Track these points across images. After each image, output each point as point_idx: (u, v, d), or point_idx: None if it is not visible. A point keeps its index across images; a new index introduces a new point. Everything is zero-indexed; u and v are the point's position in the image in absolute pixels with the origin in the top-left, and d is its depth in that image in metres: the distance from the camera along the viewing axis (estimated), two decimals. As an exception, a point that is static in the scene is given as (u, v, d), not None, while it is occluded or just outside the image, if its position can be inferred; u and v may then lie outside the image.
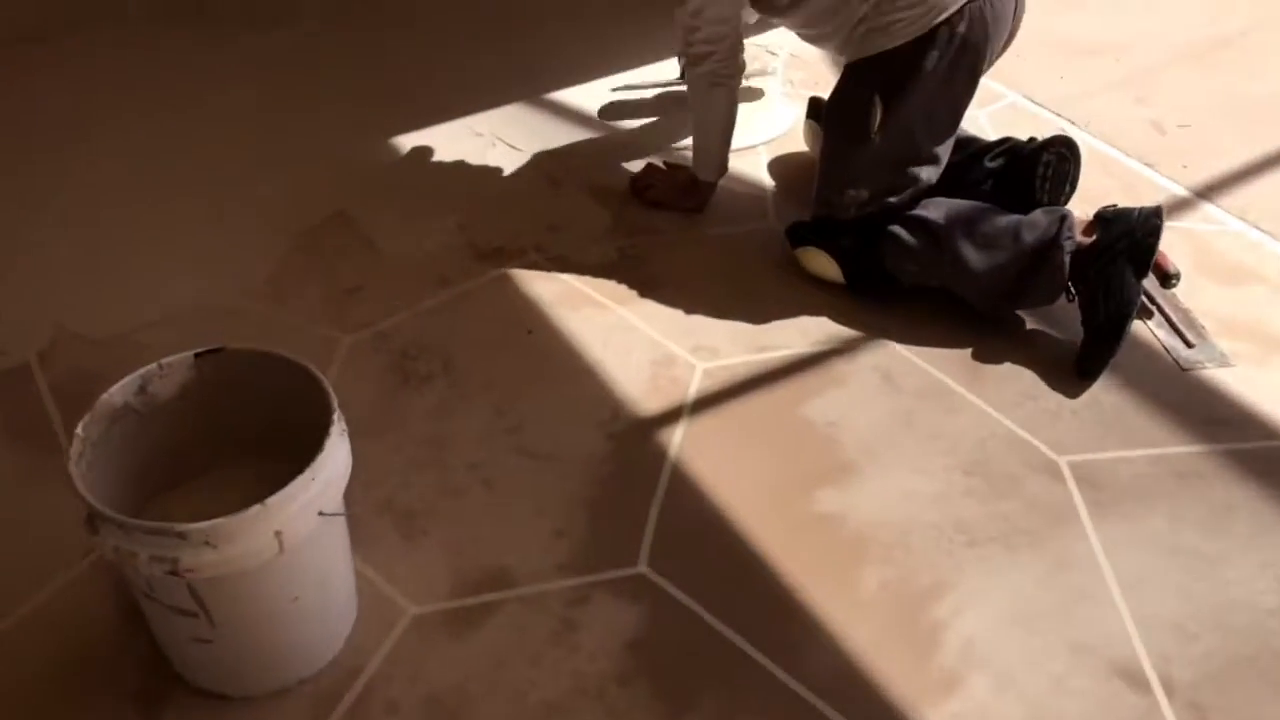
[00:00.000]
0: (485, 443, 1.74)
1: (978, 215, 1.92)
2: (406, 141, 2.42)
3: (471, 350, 1.92)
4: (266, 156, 2.37)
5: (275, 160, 2.36)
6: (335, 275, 2.08)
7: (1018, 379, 1.87)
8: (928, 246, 1.92)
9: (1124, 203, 1.94)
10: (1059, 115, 2.51)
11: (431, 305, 2.02)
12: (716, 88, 2.07)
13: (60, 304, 1.98)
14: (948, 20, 1.82)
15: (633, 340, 1.94)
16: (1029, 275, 1.87)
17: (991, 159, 2.07)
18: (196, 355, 1.39)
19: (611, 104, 2.55)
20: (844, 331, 1.96)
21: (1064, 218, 1.87)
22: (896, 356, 1.91)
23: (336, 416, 1.30)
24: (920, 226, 1.92)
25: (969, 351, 1.92)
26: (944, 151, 1.96)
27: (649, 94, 2.59)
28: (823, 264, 2.01)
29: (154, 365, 1.37)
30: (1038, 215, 1.90)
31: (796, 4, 1.98)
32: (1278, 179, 2.31)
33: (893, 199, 1.95)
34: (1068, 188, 2.03)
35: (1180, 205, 2.25)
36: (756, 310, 2.00)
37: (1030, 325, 1.97)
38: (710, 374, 1.88)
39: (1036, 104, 2.56)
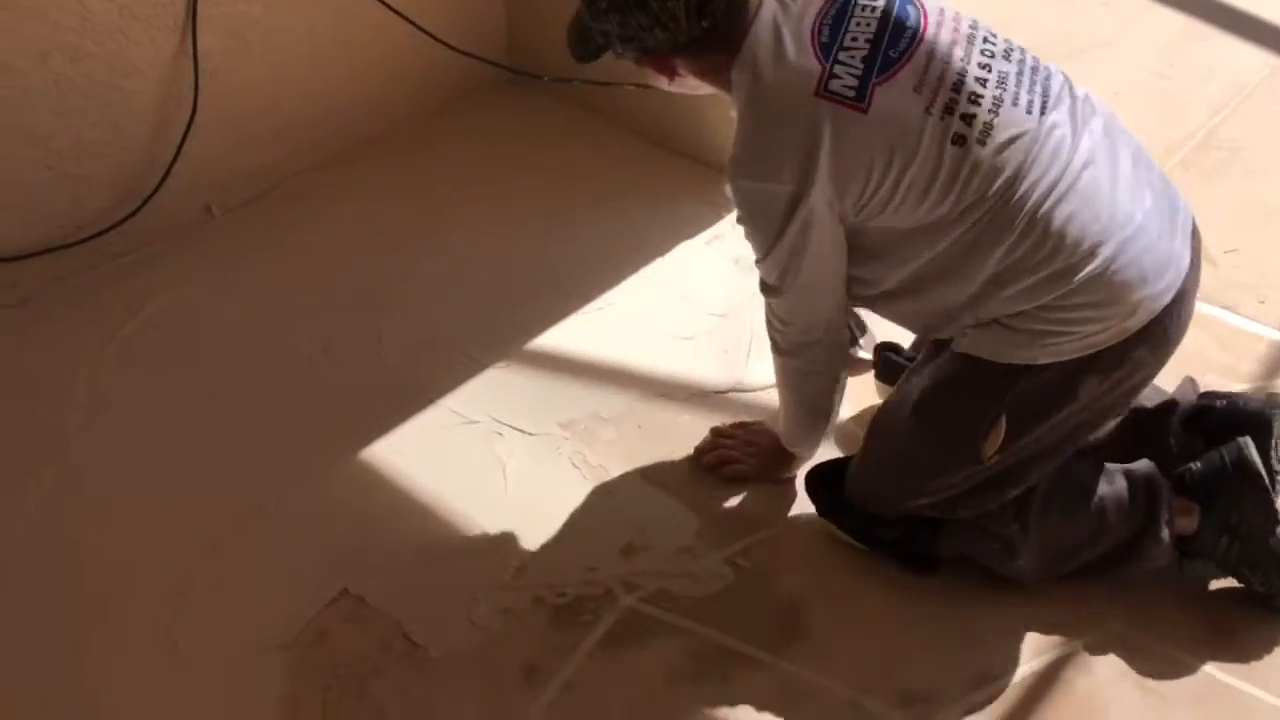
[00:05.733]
0: None
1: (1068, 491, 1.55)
2: (384, 453, 1.83)
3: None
4: (199, 526, 1.72)
5: (212, 532, 1.71)
6: (382, 709, 1.48)
7: (1267, 640, 1.55)
8: (995, 555, 1.56)
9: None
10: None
11: (535, 721, 1.47)
12: (815, 376, 1.62)
13: None
14: (1126, 340, 1.41)
15: (825, 711, 1.47)
16: (1113, 560, 1.57)
17: (1185, 428, 1.65)
18: None
19: None
20: (1053, 615, 1.57)
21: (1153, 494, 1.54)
22: (1134, 650, 1.54)
23: None
24: (993, 539, 1.55)
25: (1205, 614, 1.58)
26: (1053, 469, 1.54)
27: None
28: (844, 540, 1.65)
29: None
30: (1122, 489, 1.55)
31: (897, 294, 1.51)
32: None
33: (964, 515, 1.55)
34: None
35: (1285, 355, 2.02)
36: (934, 609, 1.58)
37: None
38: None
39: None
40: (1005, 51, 1.43)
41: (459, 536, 1.71)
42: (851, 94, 1.35)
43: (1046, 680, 1.51)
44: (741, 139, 1.44)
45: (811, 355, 1.58)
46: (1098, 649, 1.54)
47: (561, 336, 2.05)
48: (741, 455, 1.77)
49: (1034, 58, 1.46)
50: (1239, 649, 1.55)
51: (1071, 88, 1.46)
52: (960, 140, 1.36)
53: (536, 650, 1.54)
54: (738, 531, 1.71)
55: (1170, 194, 1.49)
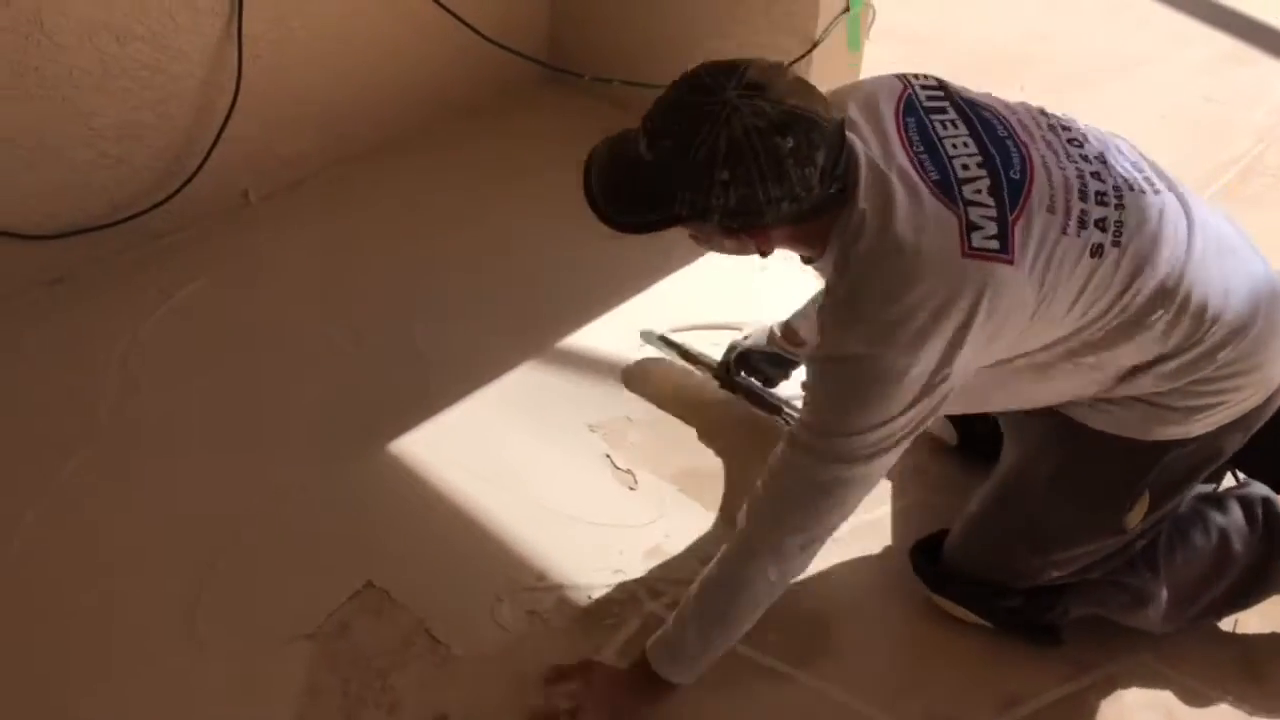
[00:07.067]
0: None
1: (1196, 558, 1.50)
2: (411, 448, 1.82)
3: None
4: (224, 512, 1.72)
5: (237, 519, 1.72)
6: (400, 703, 1.48)
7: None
8: (1124, 608, 1.51)
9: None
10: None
11: (555, 723, 1.46)
12: (779, 586, 1.37)
13: None
14: (1271, 394, 1.38)
15: (846, 726, 1.46)
16: (1241, 594, 1.53)
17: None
18: None
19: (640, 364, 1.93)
20: (1082, 643, 1.55)
21: (1271, 517, 1.50)
22: (1162, 682, 1.52)
23: None
24: (1123, 590, 1.50)
25: (1233, 650, 1.56)
26: None
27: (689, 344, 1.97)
28: (968, 616, 1.56)
29: None
30: (1238, 516, 1.51)
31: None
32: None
33: (1094, 576, 1.50)
34: None
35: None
36: (962, 630, 1.56)
37: None
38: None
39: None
40: (1083, 129, 1.32)
41: (485, 535, 1.70)
42: (996, 245, 1.17)
43: (1074, 707, 1.49)
44: (853, 314, 1.21)
45: (799, 562, 1.35)
46: (1126, 679, 1.52)
47: (593, 336, 2.05)
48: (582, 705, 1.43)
49: (1093, 127, 1.36)
50: (1267, 687, 1.53)
51: (1135, 150, 1.37)
52: (1098, 250, 1.23)
53: (558, 653, 1.54)
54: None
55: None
